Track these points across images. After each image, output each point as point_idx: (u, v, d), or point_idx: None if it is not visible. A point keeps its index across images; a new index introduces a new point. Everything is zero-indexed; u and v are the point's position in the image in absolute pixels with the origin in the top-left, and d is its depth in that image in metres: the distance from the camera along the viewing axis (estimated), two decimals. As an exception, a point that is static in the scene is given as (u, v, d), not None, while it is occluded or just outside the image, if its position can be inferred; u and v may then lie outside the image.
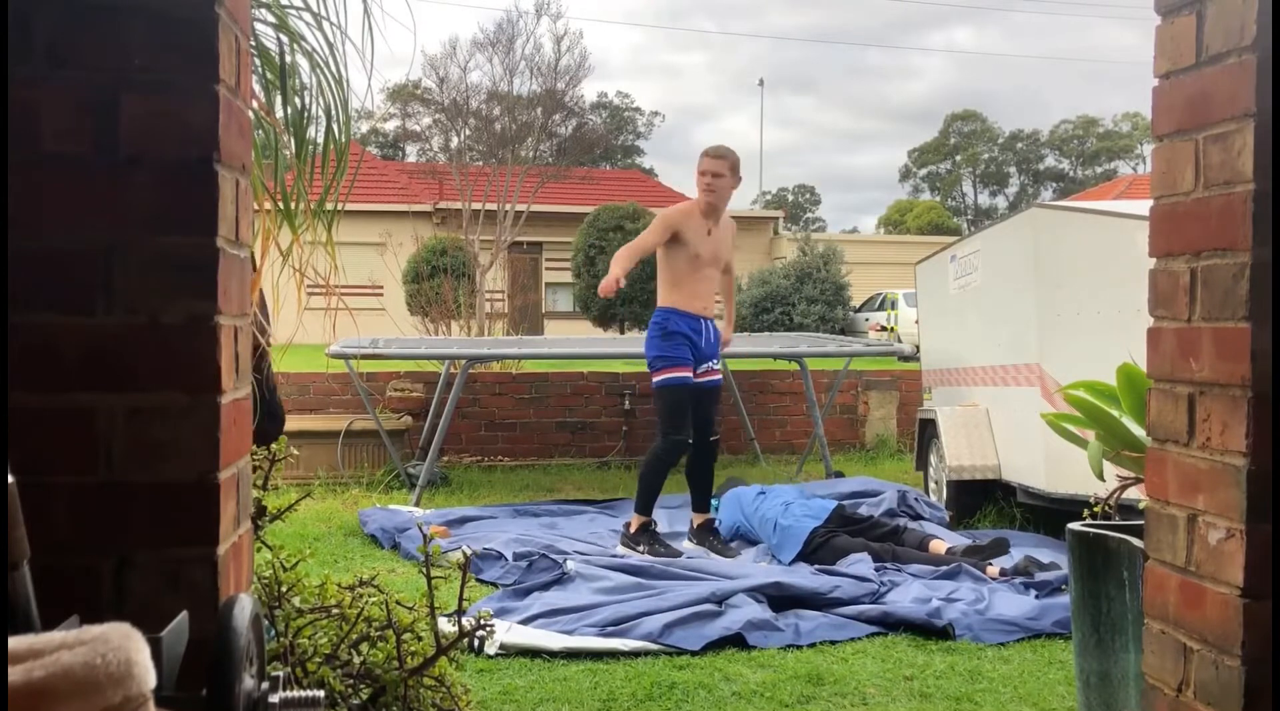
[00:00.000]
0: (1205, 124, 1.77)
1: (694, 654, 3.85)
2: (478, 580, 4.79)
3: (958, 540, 5.42)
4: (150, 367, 1.43)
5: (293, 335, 2.60)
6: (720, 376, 5.70)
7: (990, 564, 4.88)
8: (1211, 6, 1.76)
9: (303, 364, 7.59)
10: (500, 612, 4.14)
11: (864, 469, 8.36)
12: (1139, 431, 2.57)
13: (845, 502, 5.87)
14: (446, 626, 2.58)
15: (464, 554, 2.68)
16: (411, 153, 30.47)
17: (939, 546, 5.22)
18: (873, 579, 4.66)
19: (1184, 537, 1.82)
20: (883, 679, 3.64)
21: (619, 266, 5.20)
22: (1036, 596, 4.48)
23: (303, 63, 2.22)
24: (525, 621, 4.08)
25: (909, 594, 4.49)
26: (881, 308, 24.57)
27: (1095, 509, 2.95)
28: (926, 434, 7.09)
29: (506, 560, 4.95)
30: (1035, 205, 6.31)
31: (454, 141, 23.55)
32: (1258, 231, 1.65)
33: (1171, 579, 1.86)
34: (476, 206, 21.17)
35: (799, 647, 3.96)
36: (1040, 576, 4.65)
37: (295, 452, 2.61)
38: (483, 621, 2.56)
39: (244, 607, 1.15)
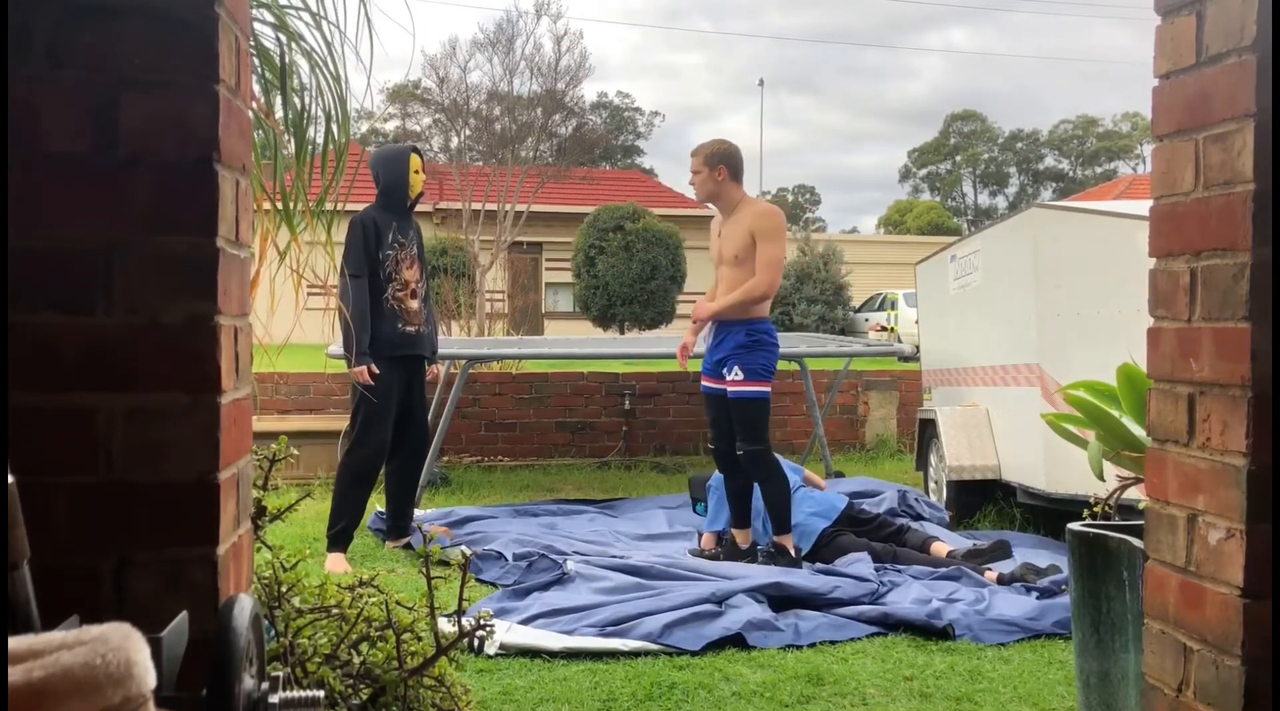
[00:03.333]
0: (1205, 124, 1.77)
1: (694, 654, 3.85)
2: (478, 580, 4.78)
3: (960, 542, 5.41)
4: (150, 368, 1.43)
5: (289, 334, 2.60)
6: (718, 386, 5.11)
7: (989, 568, 4.87)
8: (1211, 6, 1.76)
9: (302, 364, 7.59)
10: (500, 612, 4.14)
11: (864, 469, 8.36)
12: (1139, 431, 2.57)
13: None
14: (446, 626, 2.58)
15: (464, 554, 2.67)
16: (411, 153, 30.42)
17: (941, 548, 5.21)
18: (872, 579, 4.66)
19: (1184, 537, 1.82)
20: (883, 679, 3.64)
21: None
22: (1037, 597, 4.48)
23: (302, 63, 2.22)
24: (525, 621, 4.08)
25: (909, 594, 4.49)
26: (881, 308, 24.57)
27: (1095, 509, 2.95)
28: (926, 434, 7.08)
29: (506, 560, 4.94)
30: (1035, 205, 6.31)
31: (454, 142, 23.57)
32: (1258, 231, 1.65)
33: (1171, 579, 1.86)
34: (476, 206, 21.17)
35: (799, 647, 3.96)
36: (1041, 582, 4.63)
37: (295, 452, 2.61)
38: (483, 621, 2.56)
39: (244, 607, 1.15)
